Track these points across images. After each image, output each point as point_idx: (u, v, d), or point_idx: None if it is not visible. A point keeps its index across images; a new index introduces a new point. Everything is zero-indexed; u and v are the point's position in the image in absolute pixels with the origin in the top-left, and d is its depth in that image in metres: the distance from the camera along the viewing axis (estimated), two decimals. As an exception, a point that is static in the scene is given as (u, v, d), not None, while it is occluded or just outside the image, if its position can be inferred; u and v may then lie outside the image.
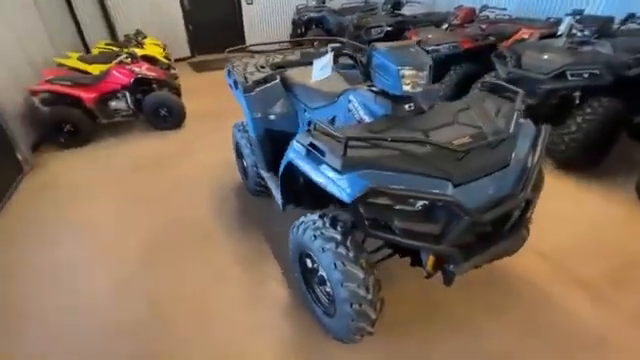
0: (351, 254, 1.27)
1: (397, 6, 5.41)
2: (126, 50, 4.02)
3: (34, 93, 3.42)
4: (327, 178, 1.16)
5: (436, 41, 3.94)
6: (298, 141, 1.31)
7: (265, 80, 2.12)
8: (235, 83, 2.17)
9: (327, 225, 1.34)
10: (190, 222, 2.44)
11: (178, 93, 4.20)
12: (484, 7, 4.41)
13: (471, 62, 3.88)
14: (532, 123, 1.45)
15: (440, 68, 4.12)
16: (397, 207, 1.15)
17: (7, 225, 2.53)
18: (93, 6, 6.46)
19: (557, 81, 2.79)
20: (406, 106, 1.42)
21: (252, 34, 8.12)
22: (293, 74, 2.19)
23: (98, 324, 1.74)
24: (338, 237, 1.29)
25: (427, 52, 1.44)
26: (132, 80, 3.67)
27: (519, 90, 1.47)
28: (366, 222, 1.11)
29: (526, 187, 1.20)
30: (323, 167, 1.18)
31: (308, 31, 7.65)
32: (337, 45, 1.49)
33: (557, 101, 2.91)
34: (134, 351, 1.60)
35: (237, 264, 2.06)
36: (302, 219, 1.48)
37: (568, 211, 2.44)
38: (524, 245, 1.77)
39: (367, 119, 1.50)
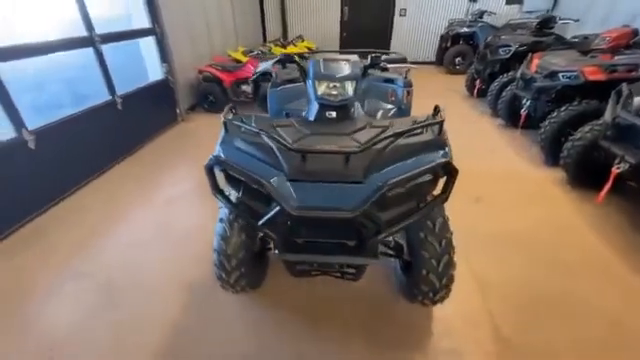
0: (231, 215, 1.59)
1: (546, 24, 4.53)
2: (259, 48, 5.21)
3: (200, 71, 5.01)
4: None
5: (554, 68, 3.23)
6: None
7: (292, 80, 2.54)
8: None
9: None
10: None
11: (290, 87, 5.09)
12: (652, 29, 3.19)
13: (600, 99, 2.98)
14: (440, 158, 1.32)
15: (559, 101, 3.36)
16: (250, 184, 1.39)
17: (154, 151, 4.01)
18: (277, 13, 8.33)
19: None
20: (326, 113, 1.58)
21: (397, 44, 8.39)
22: None
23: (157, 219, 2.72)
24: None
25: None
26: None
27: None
28: (214, 186, 1.41)
29: (363, 207, 1.20)
30: None
31: (453, 46, 7.28)
32: (286, 53, 1.77)
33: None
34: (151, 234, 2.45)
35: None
36: None
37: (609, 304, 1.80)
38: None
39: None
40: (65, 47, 2.94)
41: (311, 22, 8.40)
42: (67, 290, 2.00)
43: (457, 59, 7.28)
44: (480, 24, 6.94)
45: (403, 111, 2.40)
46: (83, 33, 3.11)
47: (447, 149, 1.38)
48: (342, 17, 8.29)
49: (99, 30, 3.24)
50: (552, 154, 3.22)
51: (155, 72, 4.38)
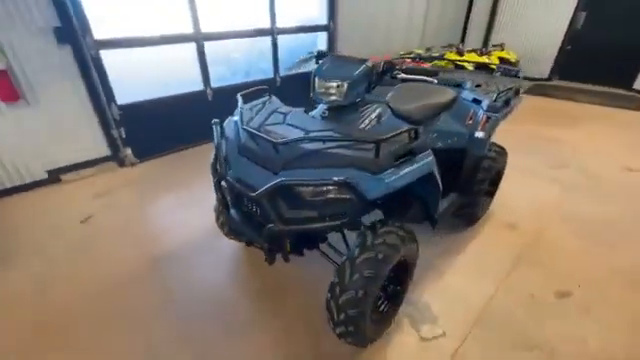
0: None
1: None
2: (408, 54, 5.05)
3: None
4: None
5: None
6: None
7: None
8: None
9: None
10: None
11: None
12: None
13: None
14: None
15: None
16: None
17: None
18: (484, 15, 7.46)
19: None
20: (322, 111, 1.66)
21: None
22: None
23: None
24: None
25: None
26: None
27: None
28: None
29: (260, 193, 1.30)
30: None
31: None
32: (321, 50, 1.86)
33: None
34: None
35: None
36: None
37: None
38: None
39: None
40: (250, 35, 4.06)
41: (522, 28, 7.04)
42: (166, 197, 3.05)
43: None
44: None
45: (474, 140, 2.00)
46: (267, 26, 4.15)
47: (383, 175, 1.24)
48: (572, 25, 6.48)
49: (282, 24, 4.24)
50: None
51: (322, 62, 5.18)
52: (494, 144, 2.36)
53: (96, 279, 2.07)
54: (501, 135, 3.63)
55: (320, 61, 1.90)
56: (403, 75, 1.76)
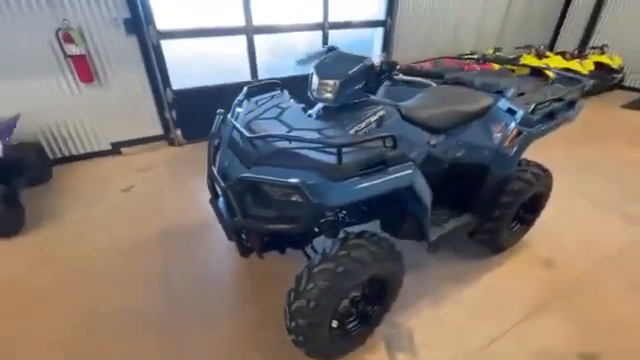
0: None
1: None
2: (471, 55, 4.51)
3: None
4: None
5: None
6: None
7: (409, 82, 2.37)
8: None
9: None
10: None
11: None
12: None
13: None
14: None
15: None
16: None
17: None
18: (585, 12, 6.29)
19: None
20: (316, 109, 1.61)
21: None
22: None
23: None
24: None
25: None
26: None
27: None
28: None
29: (227, 184, 1.32)
30: None
31: None
32: (333, 46, 1.77)
33: None
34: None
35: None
36: None
37: None
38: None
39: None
40: (300, 29, 4.09)
41: (634, 28, 5.76)
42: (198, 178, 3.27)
43: None
44: None
45: (498, 157, 1.73)
46: (319, 20, 4.14)
47: (343, 183, 1.15)
48: None
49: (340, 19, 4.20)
50: None
51: (377, 57, 4.99)
52: (534, 164, 2.00)
53: (118, 243, 2.35)
54: (573, 154, 3.17)
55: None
56: (402, 76, 1.58)
